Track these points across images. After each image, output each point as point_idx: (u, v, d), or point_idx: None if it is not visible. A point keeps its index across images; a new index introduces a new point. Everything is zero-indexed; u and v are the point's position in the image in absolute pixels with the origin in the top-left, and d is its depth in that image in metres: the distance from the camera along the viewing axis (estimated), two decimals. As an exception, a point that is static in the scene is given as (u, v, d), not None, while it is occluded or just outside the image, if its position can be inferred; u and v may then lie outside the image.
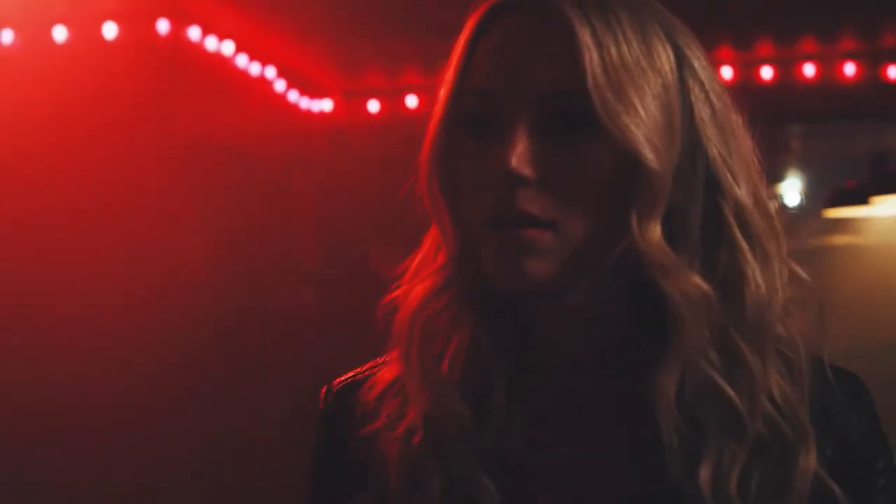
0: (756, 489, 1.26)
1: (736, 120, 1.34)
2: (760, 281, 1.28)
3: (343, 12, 5.35)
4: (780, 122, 7.28)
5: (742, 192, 1.29)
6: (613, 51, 1.21)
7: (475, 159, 1.26)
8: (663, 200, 1.24)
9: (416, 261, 1.39)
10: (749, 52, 6.67)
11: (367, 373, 1.41)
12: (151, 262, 5.14)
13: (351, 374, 1.44)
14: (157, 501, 5.07)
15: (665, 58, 1.26)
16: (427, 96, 7.29)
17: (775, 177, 7.31)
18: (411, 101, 7.22)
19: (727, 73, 6.89)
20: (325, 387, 1.44)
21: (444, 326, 1.33)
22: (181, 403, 5.11)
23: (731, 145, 1.30)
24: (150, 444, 5.03)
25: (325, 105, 7.01)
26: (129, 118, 5.22)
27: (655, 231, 1.23)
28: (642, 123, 1.21)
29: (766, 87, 6.74)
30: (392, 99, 6.93)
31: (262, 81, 6.32)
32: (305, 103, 6.84)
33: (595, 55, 1.20)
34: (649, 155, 1.21)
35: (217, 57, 5.76)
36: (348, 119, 6.89)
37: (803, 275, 1.34)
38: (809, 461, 1.27)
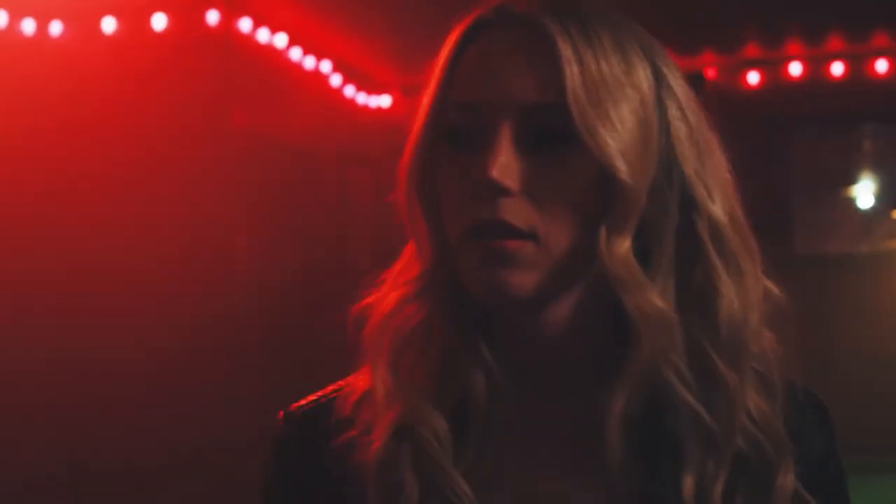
0: (740, 503, 1.29)
1: (711, 138, 1.34)
2: (734, 297, 1.30)
3: (401, 4, 5.22)
4: (851, 121, 7.09)
5: (717, 209, 1.30)
6: (593, 66, 1.24)
7: (458, 170, 1.26)
8: (635, 215, 1.25)
9: (396, 270, 1.39)
10: (819, 48, 6.47)
11: (331, 395, 1.40)
12: (199, 258, 5.05)
13: (313, 397, 1.43)
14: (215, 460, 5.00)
15: (643, 75, 1.28)
16: None
17: (847, 178, 7.11)
18: None
19: (796, 69, 6.71)
20: (283, 412, 1.43)
21: (418, 337, 1.33)
22: (220, 398, 5.04)
23: (706, 163, 1.31)
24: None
25: (384, 101, 6.90)
26: (178, 111, 5.12)
27: (622, 246, 1.25)
28: (619, 137, 1.23)
29: (836, 84, 6.56)
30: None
31: (317, 76, 6.21)
32: (362, 99, 6.73)
33: (576, 70, 1.23)
34: (623, 168, 1.23)
35: (269, 50, 5.64)
36: (407, 115, 6.74)
37: (777, 292, 1.37)
38: (789, 477, 1.30)
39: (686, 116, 1.30)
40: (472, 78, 1.27)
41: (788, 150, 6.90)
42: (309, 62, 6.07)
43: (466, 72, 1.28)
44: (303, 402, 1.42)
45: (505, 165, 1.21)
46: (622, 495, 1.30)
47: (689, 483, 1.27)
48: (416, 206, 1.33)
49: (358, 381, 1.37)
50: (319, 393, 1.42)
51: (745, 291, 1.31)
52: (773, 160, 6.88)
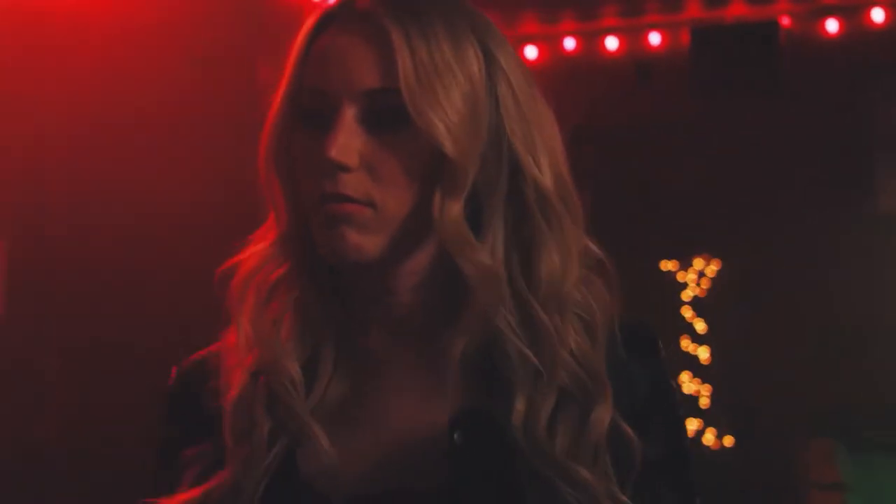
0: (561, 431, 1.47)
1: (543, 111, 1.53)
2: (555, 256, 1.49)
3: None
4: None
5: (543, 176, 1.49)
6: (424, 54, 1.42)
7: (308, 147, 1.46)
8: (464, 184, 1.44)
9: (260, 233, 1.57)
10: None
11: (215, 348, 1.58)
12: (225, 216, 4.76)
13: (203, 351, 1.61)
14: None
15: (474, 57, 1.46)
16: (546, 45, 6.88)
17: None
18: (530, 52, 6.82)
19: (878, 15, 6.32)
20: (175, 367, 1.63)
21: (278, 292, 1.52)
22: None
23: (535, 134, 1.50)
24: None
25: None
26: (202, 65, 4.86)
27: (452, 210, 1.44)
28: (446, 117, 1.42)
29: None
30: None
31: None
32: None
33: (407, 58, 1.41)
34: (449, 146, 1.42)
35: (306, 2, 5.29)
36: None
37: (596, 250, 1.55)
38: (605, 409, 1.48)
39: (515, 93, 1.49)
40: (319, 66, 1.47)
41: (871, 103, 6.47)
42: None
43: (315, 60, 1.48)
44: (193, 356, 1.62)
45: (343, 145, 1.41)
46: (461, 413, 1.47)
47: (518, 409, 1.46)
48: (273, 177, 1.52)
49: (230, 335, 1.55)
50: (210, 347, 1.60)
51: (566, 249, 1.50)
52: (854, 113, 6.47)
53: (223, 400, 1.49)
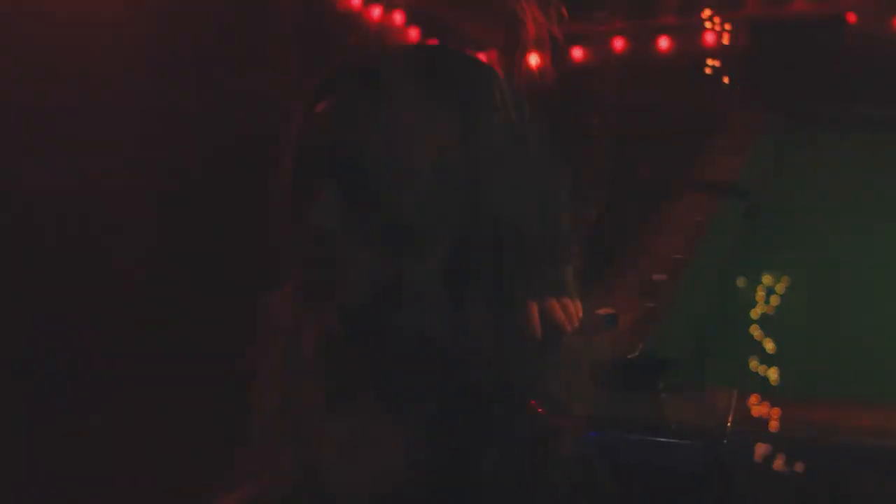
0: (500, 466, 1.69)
1: (537, 156, 1.71)
2: (529, 297, 1.67)
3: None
4: None
5: (526, 225, 1.69)
6: (391, 127, 1.64)
7: (298, 212, 1.69)
8: (432, 248, 1.62)
9: (290, 278, 1.76)
10: None
11: None
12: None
13: None
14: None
15: (449, 126, 1.66)
16: (589, 45, 6.61)
17: None
18: (577, 52, 6.58)
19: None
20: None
21: (303, 331, 1.69)
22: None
23: (519, 182, 1.69)
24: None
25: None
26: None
27: (420, 274, 1.61)
28: (411, 187, 1.62)
29: None
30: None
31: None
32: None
33: (373, 131, 1.64)
34: (411, 211, 1.61)
35: None
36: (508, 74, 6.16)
37: (573, 289, 1.74)
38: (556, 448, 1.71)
39: (497, 148, 1.68)
40: (309, 135, 1.73)
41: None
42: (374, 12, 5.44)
43: (307, 129, 1.71)
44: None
45: (323, 213, 1.63)
46: (431, 454, 1.66)
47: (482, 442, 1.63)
48: (287, 237, 1.71)
49: None
50: None
51: (541, 290, 1.68)
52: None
53: (256, 421, 1.69)
